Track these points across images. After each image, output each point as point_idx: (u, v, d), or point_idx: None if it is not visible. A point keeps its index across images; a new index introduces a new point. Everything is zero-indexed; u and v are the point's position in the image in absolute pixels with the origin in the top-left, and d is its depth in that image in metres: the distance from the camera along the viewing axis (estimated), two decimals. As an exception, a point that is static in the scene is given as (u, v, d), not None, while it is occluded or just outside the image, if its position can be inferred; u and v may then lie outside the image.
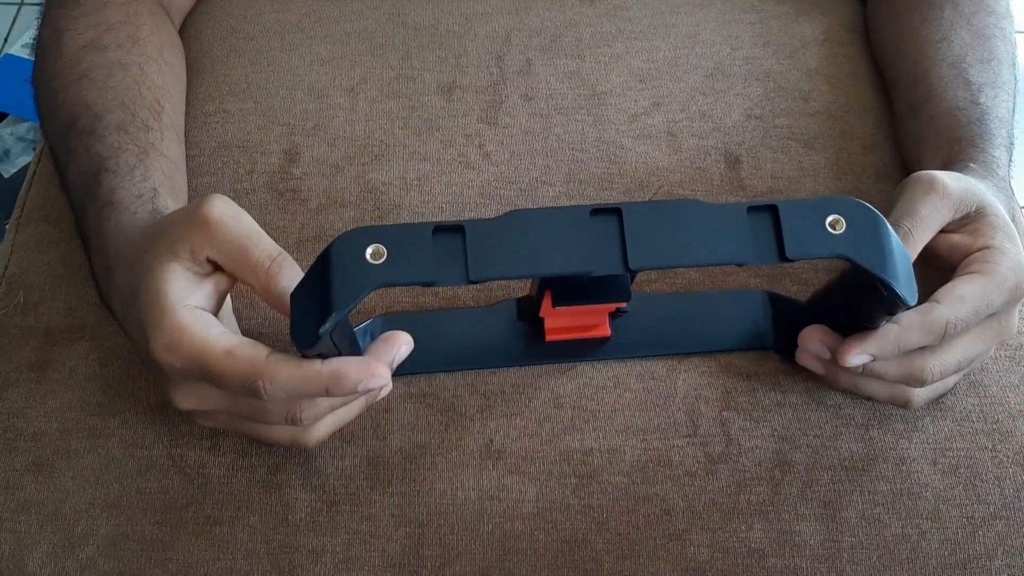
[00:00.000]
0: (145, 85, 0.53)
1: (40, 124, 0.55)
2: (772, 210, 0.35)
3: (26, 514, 0.45)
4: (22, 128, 1.14)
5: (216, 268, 0.40)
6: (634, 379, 0.48)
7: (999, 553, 0.44)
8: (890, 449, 0.46)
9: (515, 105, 0.59)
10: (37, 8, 1.35)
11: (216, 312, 0.41)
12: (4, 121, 1.15)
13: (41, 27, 0.56)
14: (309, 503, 0.45)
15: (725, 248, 0.35)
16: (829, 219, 0.36)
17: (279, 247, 0.39)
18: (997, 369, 0.49)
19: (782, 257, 0.35)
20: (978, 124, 0.52)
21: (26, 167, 1.11)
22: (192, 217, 0.39)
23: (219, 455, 0.46)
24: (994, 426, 0.47)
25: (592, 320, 0.48)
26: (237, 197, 0.56)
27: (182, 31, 0.63)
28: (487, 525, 0.44)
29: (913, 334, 0.41)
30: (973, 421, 0.47)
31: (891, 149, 0.58)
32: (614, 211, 0.35)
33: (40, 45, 0.55)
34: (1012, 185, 0.51)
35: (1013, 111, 0.54)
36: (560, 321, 0.47)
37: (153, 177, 0.47)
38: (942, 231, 0.45)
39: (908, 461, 0.46)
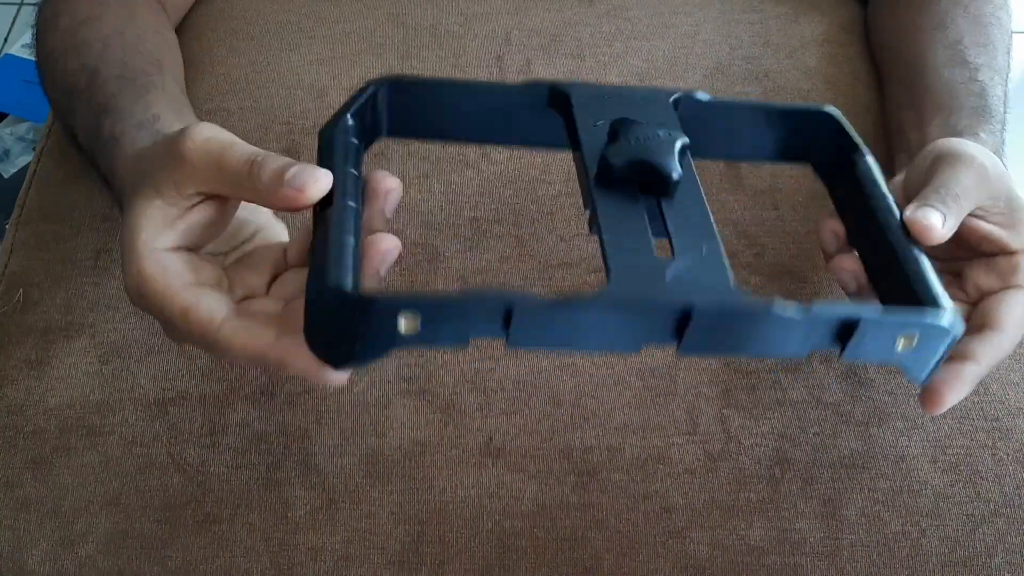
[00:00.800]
0: (144, 48, 0.53)
1: (51, 106, 0.56)
2: (853, 325, 0.34)
3: (25, 512, 0.45)
4: (22, 128, 1.14)
5: (208, 196, 0.38)
6: (634, 376, 0.48)
7: (999, 551, 0.44)
8: (890, 447, 0.46)
9: (515, 104, 0.59)
10: (37, 8, 1.36)
11: (203, 243, 0.39)
12: (4, 121, 1.15)
13: (40, 10, 0.57)
14: (308, 501, 0.45)
15: (789, 347, 0.35)
16: (901, 341, 0.35)
17: (256, 149, 0.37)
18: (997, 367, 0.49)
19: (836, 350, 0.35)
20: (979, 98, 0.51)
21: (26, 167, 1.11)
22: (170, 154, 0.37)
23: (218, 453, 0.46)
24: (994, 424, 0.47)
25: None
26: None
27: (182, 31, 0.63)
28: (486, 523, 0.44)
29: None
30: (973, 419, 0.47)
31: (891, 149, 0.58)
32: (687, 313, 0.33)
33: (40, 26, 0.56)
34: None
35: (1006, 99, 0.54)
36: None
37: (154, 107, 0.47)
38: (974, 214, 0.43)
39: (908, 459, 0.46)
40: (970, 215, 0.43)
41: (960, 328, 0.37)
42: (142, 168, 0.39)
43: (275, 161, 0.36)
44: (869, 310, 0.34)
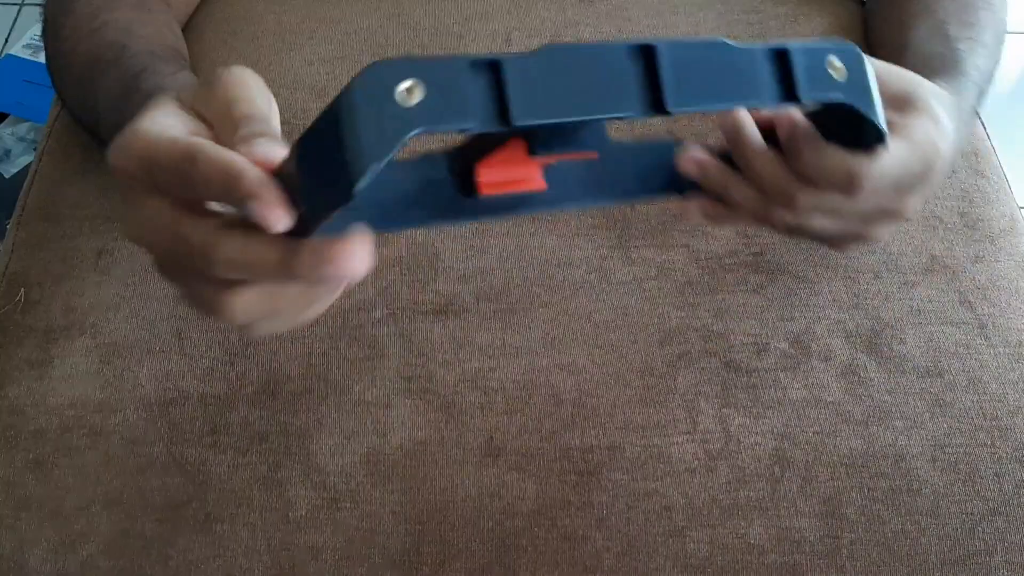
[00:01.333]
0: (164, 39, 0.53)
1: (59, 87, 0.56)
2: (783, 55, 0.35)
3: (26, 512, 0.45)
4: (22, 128, 1.14)
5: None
6: (634, 376, 0.48)
7: (998, 549, 0.44)
8: (889, 446, 0.46)
9: (515, 104, 0.59)
10: (37, 8, 1.36)
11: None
12: (4, 121, 1.15)
13: (47, 6, 0.57)
14: (309, 500, 0.45)
15: (751, 92, 0.35)
16: (828, 62, 0.36)
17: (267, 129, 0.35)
18: (996, 366, 0.49)
19: (795, 100, 0.35)
20: (952, 65, 0.51)
21: (27, 167, 1.11)
22: (216, 73, 0.36)
23: (219, 453, 0.46)
24: (993, 423, 0.47)
25: (526, 173, 0.44)
26: (237, 196, 0.56)
27: (183, 31, 0.63)
28: (487, 522, 0.44)
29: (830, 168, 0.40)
30: (972, 418, 0.47)
31: (889, 148, 0.58)
32: (650, 48, 0.33)
33: (50, 19, 0.56)
34: (975, 124, 0.51)
35: (992, 71, 0.54)
36: (495, 175, 0.43)
37: (190, 79, 0.47)
38: None
39: (907, 458, 0.46)
40: None
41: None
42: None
43: (259, 125, 0.35)
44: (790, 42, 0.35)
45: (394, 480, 0.45)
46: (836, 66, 0.36)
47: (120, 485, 0.46)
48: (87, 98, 0.51)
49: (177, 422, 0.47)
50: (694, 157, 0.42)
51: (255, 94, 0.36)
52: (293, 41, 0.61)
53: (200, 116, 0.36)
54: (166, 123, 0.35)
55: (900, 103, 0.43)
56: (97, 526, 0.45)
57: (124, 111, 0.45)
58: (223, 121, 0.35)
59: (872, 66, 0.40)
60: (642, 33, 0.63)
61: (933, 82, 0.47)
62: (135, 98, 0.46)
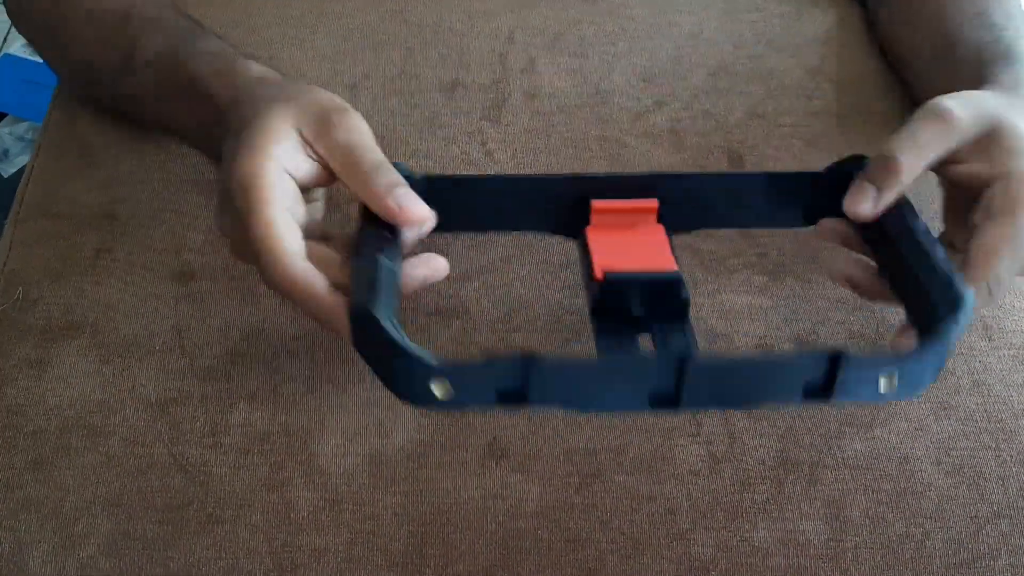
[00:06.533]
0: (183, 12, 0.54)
1: (69, 43, 0.56)
2: (834, 361, 0.36)
3: (26, 513, 0.45)
4: (21, 128, 1.14)
5: (324, 163, 0.42)
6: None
7: (1003, 553, 0.44)
8: (894, 448, 0.46)
9: (518, 103, 0.59)
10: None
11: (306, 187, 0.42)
12: (3, 121, 1.15)
13: None
14: (311, 502, 0.45)
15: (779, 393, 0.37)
16: (883, 379, 0.37)
17: (382, 157, 0.42)
18: (1001, 368, 0.49)
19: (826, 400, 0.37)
20: (1004, 57, 0.50)
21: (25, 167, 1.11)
22: (324, 109, 0.42)
23: (221, 453, 0.46)
24: (998, 425, 0.47)
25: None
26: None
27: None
28: (490, 524, 0.44)
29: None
30: (977, 420, 0.47)
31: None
32: (680, 361, 0.36)
33: None
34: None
35: None
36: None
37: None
38: (956, 161, 0.43)
39: (912, 460, 0.46)
40: (950, 163, 0.43)
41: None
42: (287, 95, 0.42)
43: (389, 174, 0.41)
44: (846, 354, 0.36)
45: (397, 482, 0.45)
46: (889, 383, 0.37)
47: (120, 486, 0.45)
48: (118, 46, 0.52)
49: (178, 422, 0.47)
50: (844, 273, 0.44)
51: (371, 138, 0.42)
52: (294, 35, 0.61)
53: (313, 148, 0.42)
54: (277, 181, 0.40)
55: (984, 145, 0.42)
56: (97, 527, 0.44)
57: (187, 61, 0.49)
58: (347, 167, 0.41)
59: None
60: (641, 32, 0.62)
61: (988, 71, 0.48)
62: (196, 44, 0.49)
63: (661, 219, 0.46)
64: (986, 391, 0.48)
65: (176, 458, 0.46)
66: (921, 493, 0.45)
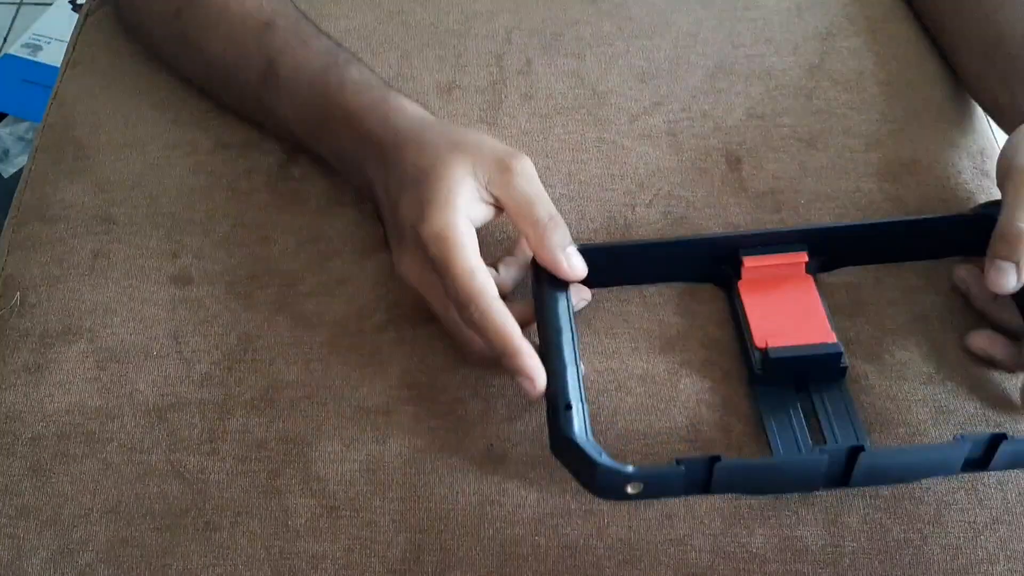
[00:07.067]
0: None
1: (193, 57, 0.57)
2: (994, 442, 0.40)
3: (24, 519, 0.45)
4: (21, 128, 1.14)
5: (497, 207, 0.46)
6: (636, 383, 0.48)
7: (1001, 558, 0.44)
8: (892, 453, 0.46)
9: (515, 105, 0.58)
10: (36, 8, 1.35)
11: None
12: (3, 121, 1.15)
13: None
14: (309, 509, 0.45)
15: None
16: None
17: (553, 209, 0.45)
18: (1000, 372, 0.49)
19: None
20: None
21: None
22: (500, 157, 0.45)
23: (219, 460, 0.46)
24: (996, 430, 0.47)
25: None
26: (236, 197, 0.55)
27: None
28: (488, 530, 0.44)
29: None
30: (976, 424, 0.47)
31: (894, 147, 0.57)
32: (853, 451, 0.40)
33: None
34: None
35: None
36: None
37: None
38: None
39: (910, 465, 0.46)
40: None
41: None
42: (458, 142, 0.46)
43: (563, 231, 0.45)
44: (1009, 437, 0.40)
45: (394, 488, 0.45)
46: None
47: (118, 493, 0.45)
48: (272, 43, 0.53)
49: (176, 429, 0.47)
50: (987, 353, 0.48)
51: (541, 187, 0.46)
52: (291, 39, 0.61)
53: (488, 191, 0.45)
54: (470, 236, 0.44)
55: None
56: (95, 534, 0.44)
57: (336, 90, 0.50)
58: (524, 217, 0.45)
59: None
60: (639, 32, 0.62)
61: None
62: (337, 77, 0.51)
63: (808, 268, 0.49)
64: (984, 395, 0.48)
65: (174, 465, 0.46)
66: (919, 498, 0.45)
